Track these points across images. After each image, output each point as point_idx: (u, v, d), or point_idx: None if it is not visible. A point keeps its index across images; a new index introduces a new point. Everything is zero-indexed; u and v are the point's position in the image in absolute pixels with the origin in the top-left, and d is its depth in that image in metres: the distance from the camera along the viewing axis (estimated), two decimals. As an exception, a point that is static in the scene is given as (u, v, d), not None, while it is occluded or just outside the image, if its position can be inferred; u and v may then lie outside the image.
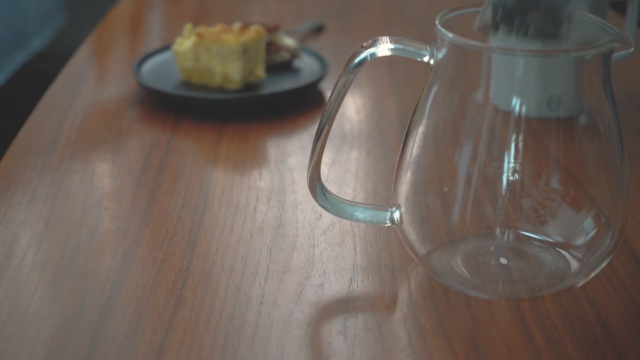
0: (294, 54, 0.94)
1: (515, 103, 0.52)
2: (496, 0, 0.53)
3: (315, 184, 0.58)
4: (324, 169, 0.72)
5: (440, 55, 0.53)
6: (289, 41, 0.94)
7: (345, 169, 0.74)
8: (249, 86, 0.87)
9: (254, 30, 0.86)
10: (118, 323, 0.53)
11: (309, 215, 0.66)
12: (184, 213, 0.66)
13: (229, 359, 0.51)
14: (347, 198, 0.66)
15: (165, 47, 0.95)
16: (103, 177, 0.73)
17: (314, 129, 0.56)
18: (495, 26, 0.53)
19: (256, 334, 0.52)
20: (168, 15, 1.23)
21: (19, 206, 0.67)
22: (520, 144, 0.52)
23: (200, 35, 0.85)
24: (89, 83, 0.95)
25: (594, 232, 0.55)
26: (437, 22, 0.53)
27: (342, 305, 0.56)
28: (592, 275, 0.55)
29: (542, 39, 0.53)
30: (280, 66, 0.93)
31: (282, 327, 0.53)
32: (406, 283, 0.58)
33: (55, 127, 0.81)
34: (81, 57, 1.01)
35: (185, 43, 0.87)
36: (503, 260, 0.57)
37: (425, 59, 0.54)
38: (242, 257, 0.60)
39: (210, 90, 0.86)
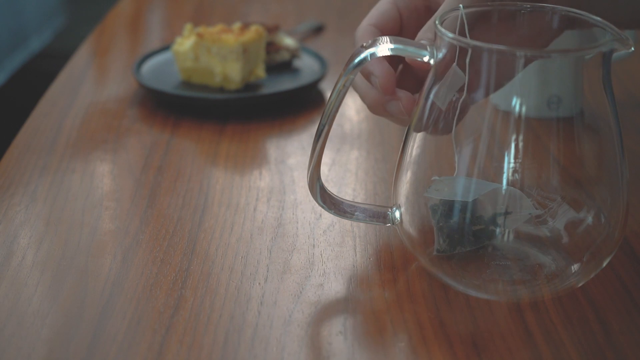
0: (294, 54, 0.94)
1: (515, 103, 0.52)
2: (439, 226, 0.55)
3: (315, 184, 0.58)
4: (324, 169, 0.72)
5: (440, 55, 0.53)
6: (289, 41, 0.94)
7: (345, 169, 0.74)
8: (249, 86, 0.87)
9: (254, 30, 0.86)
10: (118, 323, 0.53)
11: (309, 215, 0.66)
12: (184, 213, 0.66)
13: (229, 359, 0.51)
14: (347, 198, 0.66)
15: (165, 47, 0.95)
16: (103, 177, 0.73)
17: (314, 129, 0.56)
18: (449, 250, 0.56)
19: (256, 334, 0.52)
20: (168, 15, 1.23)
21: (19, 206, 0.67)
22: (520, 144, 0.52)
23: (200, 35, 0.85)
24: (89, 83, 0.95)
25: (594, 232, 0.55)
26: (437, 22, 0.53)
27: (342, 305, 0.56)
28: (592, 275, 0.55)
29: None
30: (280, 66, 0.93)
31: (282, 327, 0.53)
32: (406, 283, 0.58)
33: (55, 127, 0.81)
34: (81, 57, 1.01)
35: (185, 43, 0.87)
36: (503, 261, 0.57)
37: (425, 59, 0.54)
38: (242, 257, 0.60)
39: (210, 90, 0.86)
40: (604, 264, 0.55)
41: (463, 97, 0.52)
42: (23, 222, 0.65)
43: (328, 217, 0.65)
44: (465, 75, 0.52)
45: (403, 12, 0.60)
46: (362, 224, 0.64)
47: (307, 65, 0.93)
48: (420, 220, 0.56)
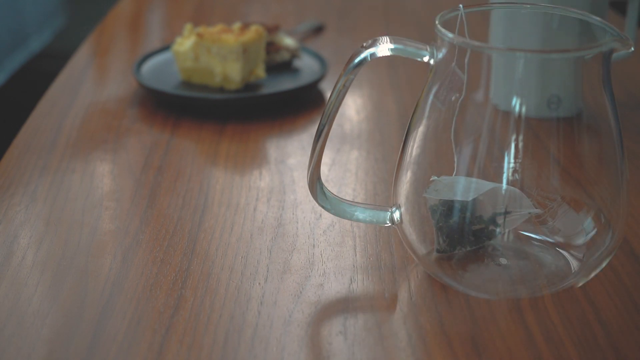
0: (294, 54, 0.94)
1: (515, 103, 0.52)
2: (438, 226, 0.55)
3: (315, 184, 0.58)
4: (324, 169, 0.72)
5: (440, 55, 0.53)
6: (289, 41, 0.94)
7: (345, 169, 0.74)
8: (249, 86, 0.87)
9: (254, 30, 0.86)
10: (118, 323, 0.53)
11: (309, 215, 0.66)
12: (184, 213, 0.66)
13: (229, 359, 0.51)
14: (347, 198, 0.66)
15: (165, 47, 0.95)
16: (103, 177, 0.73)
17: (314, 129, 0.56)
18: (449, 250, 0.56)
19: (256, 334, 0.52)
20: (168, 15, 1.23)
21: (19, 206, 0.67)
22: (520, 144, 0.52)
23: (200, 35, 0.85)
24: (89, 83, 0.95)
25: (594, 232, 0.55)
26: (437, 22, 0.53)
27: (342, 305, 0.56)
28: (592, 275, 0.55)
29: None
30: (280, 66, 0.93)
31: (282, 327, 0.53)
32: (406, 283, 0.58)
33: (55, 127, 0.81)
34: (81, 57, 1.01)
35: (185, 43, 0.87)
36: (503, 260, 0.57)
37: (425, 59, 0.54)
38: (242, 257, 0.60)
39: (210, 90, 0.86)
40: (604, 264, 0.55)
41: (462, 96, 0.52)
42: (23, 222, 0.65)
43: (328, 217, 0.65)
44: (465, 75, 0.52)
45: None
46: (362, 224, 0.64)
47: (307, 65, 0.93)
48: (420, 220, 0.56)
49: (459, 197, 0.54)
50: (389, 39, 0.54)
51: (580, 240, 0.55)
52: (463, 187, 0.53)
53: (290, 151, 0.77)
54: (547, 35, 0.67)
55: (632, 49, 0.52)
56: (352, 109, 0.87)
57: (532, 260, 0.57)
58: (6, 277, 0.58)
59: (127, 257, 0.60)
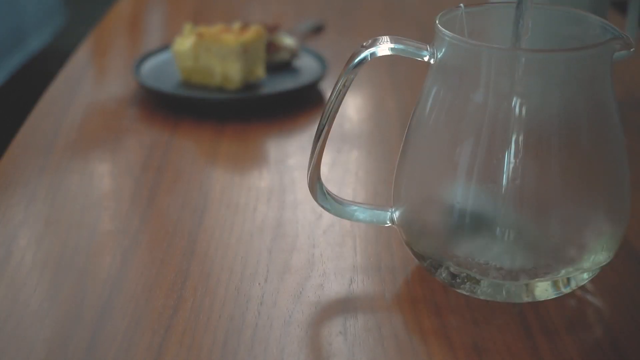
0: (294, 54, 0.94)
1: (515, 103, 0.52)
2: (439, 227, 0.55)
3: (315, 184, 0.57)
4: (324, 169, 0.72)
5: (440, 55, 0.53)
6: (289, 41, 0.94)
7: (345, 169, 0.74)
8: (249, 86, 0.87)
9: (254, 30, 0.86)
10: (117, 323, 0.53)
11: (309, 215, 0.66)
12: (184, 213, 0.66)
13: (228, 359, 0.51)
14: (347, 198, 0.66)
15: (165, 47, 0.95)
16: (103, 177, 0.72)
17: (314, 129, 0.56)
18: (449, 250, 0.55)
19: (256, 334, 0.52)
20: (168, 15, 1.23)
21: (18, 206, 0.67)
22: (521, 144, 0.52)
23: (200, 35, 0.85)
24: (89, 83, 0.95)
25: (594, 232, 0.55)
26: (437, 22, 0.53)
27: (342, 306, 0.55)
28: (593, 275, 0.55)
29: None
30: (280, 66, 0.93)
31: (282, 327, 0.53)
32: (406, 283, 0.58)
33: (55, 127, 0.81)
34: (81, 57, 1.01)
35: (185, 43, 0.87)
36: (503, 261, 0.57)
37: (425, 58, 0.54)
38: (241, 257, 0.60)
39: (210, 90, 0.86)
40: (605, 264, 0.55)
41: (462, 96, 0.52)
42: (22, 222, 0.65)
43: (328, 217, 0.65)
44: (464, 73, 0.52)
45: None
46: (362, 224, 0.63)
47: (307, 65, 0.93)
48: (421, 220, 0.56)
49: (459, 199, 0.54)
50: (389, 38, 0.54)
51: (581, 240, 0.55)
52: (463, 188, 0.53)
53: (290, 151, 0.77)
54: (547, 34, 0.67)
55: (633, 48, 0.52)
56: (352, 109, 0.86)
57: (532, 260, 0.56)
58: (5, 277, 0.58)
59: (127, 258, 0.60)
